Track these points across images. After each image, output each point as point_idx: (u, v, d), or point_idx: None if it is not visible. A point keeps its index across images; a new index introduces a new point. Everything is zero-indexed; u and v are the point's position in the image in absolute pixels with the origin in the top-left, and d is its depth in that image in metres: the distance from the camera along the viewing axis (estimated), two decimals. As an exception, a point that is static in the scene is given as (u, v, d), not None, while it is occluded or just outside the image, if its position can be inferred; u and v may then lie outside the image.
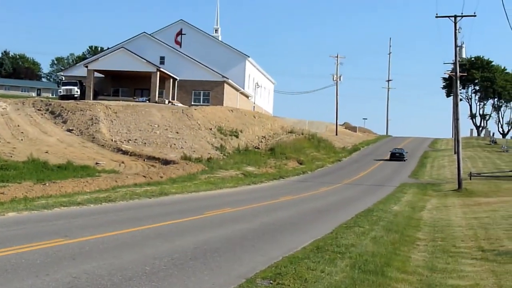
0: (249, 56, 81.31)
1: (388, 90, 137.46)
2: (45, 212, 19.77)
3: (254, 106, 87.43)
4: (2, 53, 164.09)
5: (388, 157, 74.06)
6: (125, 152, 45.06)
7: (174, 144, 50.48)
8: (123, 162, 40.58)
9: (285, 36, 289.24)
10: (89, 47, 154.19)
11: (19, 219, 17.80)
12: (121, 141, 49.11)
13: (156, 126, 54.58)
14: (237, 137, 61.43)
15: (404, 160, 72.62)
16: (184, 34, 78.24)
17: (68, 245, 13.54)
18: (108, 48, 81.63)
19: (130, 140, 49.91)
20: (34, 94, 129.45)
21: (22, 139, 44.95)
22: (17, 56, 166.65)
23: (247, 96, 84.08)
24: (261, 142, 65.25)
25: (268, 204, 27.65)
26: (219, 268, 12.18)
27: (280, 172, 50.00)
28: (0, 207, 19.85)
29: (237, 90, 78.31)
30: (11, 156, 36.45)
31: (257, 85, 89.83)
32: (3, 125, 48.99)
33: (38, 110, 56.97)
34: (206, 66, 72.85)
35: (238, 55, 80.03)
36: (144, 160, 42.72)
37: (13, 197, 22.73)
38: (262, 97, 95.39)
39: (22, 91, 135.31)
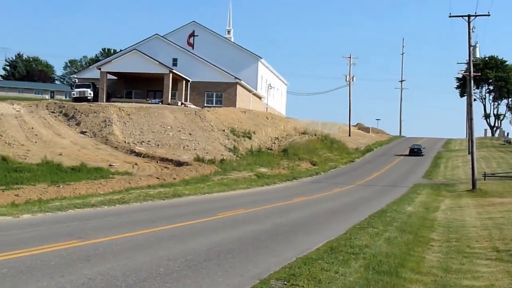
0: (261, 57, 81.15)
1: (401, 91, 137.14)
2: (59, 214, 19.89)
3: (267, 107, 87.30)
4: (15, 56, 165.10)
5: (407, 152, 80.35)
6: (138, 154, 45.09)
7: (187, 146, 50.54)
8: (136, 164, 40.60)
9: (297, 37, 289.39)
10: (102, 49, 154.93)
11: (34, 221, 17.91)
12: (134, 143, 49.24)
13: (169, 127, 54.67)
14: (250, 138, 61.41)
15: (422, 155, 78.69)
16: (197, 35, 78.29)
17: (82, 246, 13.61)
18: (121, 50, 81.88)
19: (143, 142, 50.03)
20: (47, 96, 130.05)
21: (36, 142, 45.14)
22: (31, 59, 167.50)
23: (259, 98, 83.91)
24: (274, 143, 65.16)
25: (282, 205, 27.65)
26: (233, 269, 12.18)
27: (293, 173, 49.94)
28: (14, 209, 20.01)
29: (249, 91, 78.16)
30: (25, 159, 36.66)
31: (270, 86, 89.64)
32: (17, 128, 49.23)
33: (52, 112, 57.24)
34: (219, 68, 72.82)
35: (250, 56, 79.97)
36: (157, 162, 42.71)
37: (27, 199, 22.93)
38: (274, 98, 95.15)
39: (35, 94, 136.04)
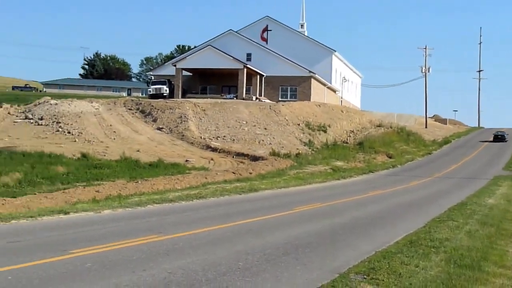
0: (335, 51, 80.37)
1: (479, 81, 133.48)
2: (139, 209, 20.28)
3: (341, 101, 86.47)
4: (93, 55, 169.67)
5: (491, 139, 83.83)
6: (214, 149, 45.46)
7: (262, 140, 50.63)
8: (212, 159, 40.92)
9: (371, 29, 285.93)
10: (176, 46, 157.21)
11: (115, 216, 18.34)
12: (209, 138, 49.72)
13: (244, 122, 54.94)
14: (325, 132, 60.89)
15: (506, 141, 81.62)
16: (270, 30, 78.13)
17: (162, 241, 13.83)
18: (195, 47, 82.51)
19: (219, 137, 50.46)
20: (124, 94, 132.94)
21: (114, 138, 46.25)
22: (108, 58, 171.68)
23: (334, 91, 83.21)
24: (349, 136, 64.53)
25: (358, 199, 27.37)
26: (311, 263, 12.13)
27: (369, 166, 49.26)
28: (96, 205, 20.56)
29: (324, 85, 77.46)
30: (105, 155, 37.61)
31: (344, 79, 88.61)
32: (96, 125, 50.59)
33: (129, 109, 58.45)
34: (293, 62, 72.40)
35: (324, 49, 79.21)
36: (233, 157, 42.97)
37: (107, 195, 23.53)
38: (349, 91, 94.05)
39: (113, 92, 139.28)
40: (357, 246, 14.44)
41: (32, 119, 52.94)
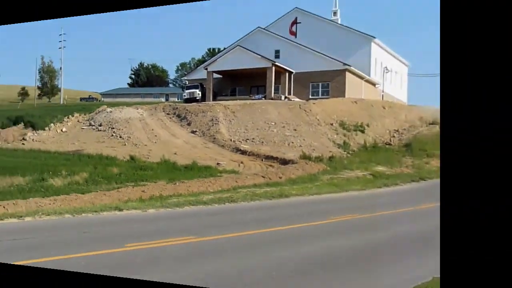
0: (375, 37, 73.02)
1: None
2: (177, 210, 22.04)
3: (382, 95, 77.17)
4: (138, 65, 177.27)
5: None
6: (243, 152, 45.60)
7: (292, 142, 49.18)
8: (242, 162, 41.35)
9: (417, 7, 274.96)
10: (207, 49, 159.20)
11: (158, 216, 20.37)
12: (239, 141, 49.83)
13: (273, 123, 54.13)
14: (362, 132, 56.09)
15: None
16: (299, 22, 73.54)
17: (199, 243, 14.92)
18: (225, 48, 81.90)
19: (248, 139, 50.36)
20: (163, 99, 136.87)
21: (156, 142, 48.75)
22: (149, 66, 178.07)
23: (373, 84, 75.35)
24: (393, 136, 58.34)
25: (406, 211, 24.10)
26: (352, 281, 11.56)
27: (420, 173, 42.41)
28: (142, 203, 22.81)
29: (361, 78, 70.59)
30: (148, 158, 40.34)
31: (386, 69, 79.08)
32: (141, 130, 53.54)
33: (167, 114, 60.58)
34: (324, 55, 67.30)
35: (361, 37, 71.91)
36: (262, 160, 42.81)
37: (151, 195, 25.94)
38: (392, 84, 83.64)
39: (154, 98, 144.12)
40: (406, 268, 12.99)
41: (94, 125, 58.76)
